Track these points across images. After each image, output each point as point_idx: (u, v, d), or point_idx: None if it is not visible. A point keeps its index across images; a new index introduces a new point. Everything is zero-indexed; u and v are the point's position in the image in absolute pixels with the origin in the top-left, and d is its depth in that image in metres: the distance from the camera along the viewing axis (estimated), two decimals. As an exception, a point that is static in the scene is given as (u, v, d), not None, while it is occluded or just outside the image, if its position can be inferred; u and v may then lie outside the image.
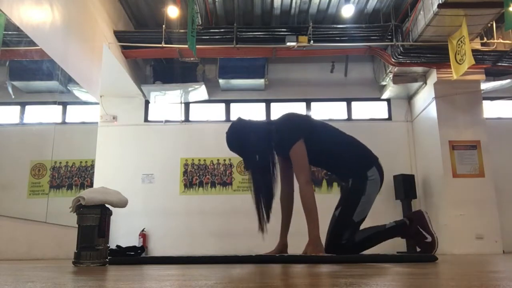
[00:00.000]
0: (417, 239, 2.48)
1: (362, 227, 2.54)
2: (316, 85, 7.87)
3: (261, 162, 2.55)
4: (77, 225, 1.95)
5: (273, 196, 2.58)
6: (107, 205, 2.00)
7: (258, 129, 2.59)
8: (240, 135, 2.58)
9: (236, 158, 7.07)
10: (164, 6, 6.41)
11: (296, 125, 2.58)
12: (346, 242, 2.44)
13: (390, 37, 6.52)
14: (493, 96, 7.35)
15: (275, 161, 2.61)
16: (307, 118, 2.70)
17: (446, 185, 6.42)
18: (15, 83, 4.33)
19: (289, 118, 2.61)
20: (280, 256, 2.35)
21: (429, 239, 2.42)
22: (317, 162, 2.72)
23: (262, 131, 2.58)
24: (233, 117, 7.84)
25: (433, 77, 6.78)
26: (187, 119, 7.71)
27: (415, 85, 7.26)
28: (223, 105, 7.88)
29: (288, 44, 6.49)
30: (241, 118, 2.66)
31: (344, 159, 2.61)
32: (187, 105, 7.81)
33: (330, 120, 7.79)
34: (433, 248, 2.39)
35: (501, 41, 6.48)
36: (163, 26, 6.33)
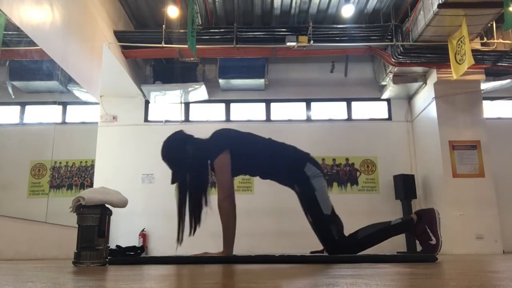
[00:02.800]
0: (422, 238, 2.44)
1: (363, 224, 2.53)
2: (316, 85, 7.87)
3: (194, 177, 2.55)
4: (77, 225, 1.95)
5: (201, 211, 2.58)
6: (107, 205, 2.00)
7: (196, 144, 2.59)
8: (177, 146, 2.59)
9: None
10: (164, 6, 6.41)
11: (220, 139, 2.58)
12: (339, 237, 2.42)
13: (390, 37, 6.53)
14: (493, 96, 7.35)
15: (208, 178, 2.61)
16: (233, 131, 2.67)
17: (446, 185, 6.42)
18: (15, 83, 4.33)
19: (216, 133, 2.61)
20: (280, 256, 2.34)
21: (434, 241, 2.39)
22: (256, 174, 2.72)
23: (199, 146, 2.57)
24: (233, 117, 7.85)
25: (433, 77, 6.78)
26: (187, 119, 7.71)
27: (415, 85, 7.26)
28: (223, 105, 7.88)
29: (288, 44, 6.49)
30: (183, 131, 2.66)
31: (278, 167, 2.60)
32: (187, 105, 7.81)
33: (330, 120, 7.81)
34: (435, 250, 2.37)
35: (501, 41, 6.48)
36: (163, 26, 6.33)
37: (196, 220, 2.57)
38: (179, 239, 2.55)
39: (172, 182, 2.58)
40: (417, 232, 2.45)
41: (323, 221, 2.47)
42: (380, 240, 2.50)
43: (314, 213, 2.50)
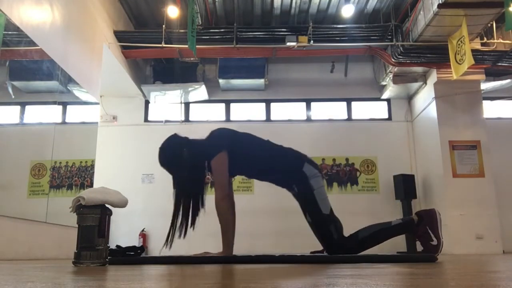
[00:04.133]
0: (423, 239, 2.44)
1: (363, 224, 2.53)
2: (316, 85, 7.87)
3: (191, 179, 2.52)
4: (77, 225, 1.95)
5: (197, 213, 2.54)
6: (107, 205, 2.00)
7: (192, 146, 2.56)
8: (174, 150, 2.57)
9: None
10: (164, 6, 6.41)
11: (218, 139, 2.56)
12: (338, 237, 2.41)
13: (390, 37, 6.52)
14: (493, 96, 7.35)
15: (205, 179, 2.58)
16: (232, 132, 2.64)
17: (446, 185, 6.42)
18: (15, 83, 4.33)
19: (213, 133, 2.59)
20: (280, 256, 2.34)
21: (435, 242, 2.38)
22: (253, 175, 2.71)
23: (196, 148, 2.54)
24: (233, 117, 7.85)
25: (433, 77, 6.78)
26: (187, 119, 7.71)
27: (415, 85, 7.26)
28: (223, 105, 7.88)
29: (288, 44, 6.49)
30: (177, 134, 2.63)
31: (277, 168, 2.58)
32: (187, 105, 7.81)
33: (330, 120, 7.80)
34: (436, 251, 2.37)
35: (501, 41, 6.48)
36: (163, 26, 6.33)
37: (190, 222, 2.52)
38: (168, 243, 2.49)
39: (174, 187, 2.56)
40: (418, 233, 2.44)
41: (322, 221, 2.46)
42: (380, 241, 2.50)
43: (313, 213, 2.49)
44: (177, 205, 2.55)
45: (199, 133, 2.63)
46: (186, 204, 2.53)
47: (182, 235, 2.53)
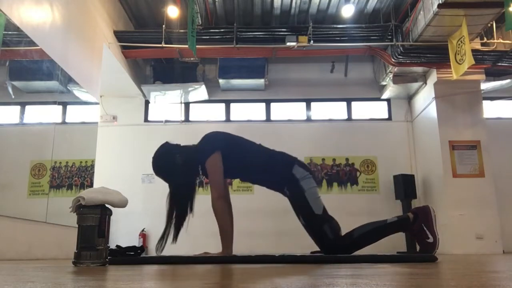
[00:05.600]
0: (418, 236, 2.43)
1: (359, 222, 2.52)
2: (316, 85, 7.87)
3: (183, 184, 2.56)
4: (77, 225, 1.95)
5: (185, 217, 2.58)
6: (107, 205, 2.00)
7: (185, 152, 2.58)
8: (166, 158, 2.59)
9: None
10: (164, 6, 6.42)
11: (211, 141, 2.59)
12: (334, 237, 2.40)
13: (390, 37, 6.52)
14: (493, 96, 7.35)
15: (195, 184, 2.63)
16: (225, 134, 2.67)
17: (446, 185, 6.42)
18: (15, 83, 4.33)
19: (207, 136, 2.62)
20: (280, 256, 2.34)
21: (431, 239, 2.38)
22: (247, 178, 2.74)
23: (188, 153, 2.57)
24: (233, 117, 7.85)
25: (433, 77, 6.78)
26: (187, 119, 7.71)
27: (415, 85, 7.26)
28: (223, 105, 7.88)
29: (288, 44, 6.49)
30: (168, 142, 2.66)
31: (268, 172, 2.59)
32: (187, 105, 7.81)
33: (330, 120, 7.80)
34: (433, 248, 2.36)
35: (501, 41, 6.48)
36: (163, 26, 6.33)
37: (180, 227, 2.56)
38: (161, 247, 2.52)
39: (169, 194, 2.59)
40: (414, 231, 2.44)
41: (316, 222, 2.45)
42: (376, 239, 2.49)
43: (305, 214, 2.49)
44: (171, 211, 2.58)
45: (199, 133, 2.63)
46: (179, 210, 2.56)
47: (175, 240, 2.56)
